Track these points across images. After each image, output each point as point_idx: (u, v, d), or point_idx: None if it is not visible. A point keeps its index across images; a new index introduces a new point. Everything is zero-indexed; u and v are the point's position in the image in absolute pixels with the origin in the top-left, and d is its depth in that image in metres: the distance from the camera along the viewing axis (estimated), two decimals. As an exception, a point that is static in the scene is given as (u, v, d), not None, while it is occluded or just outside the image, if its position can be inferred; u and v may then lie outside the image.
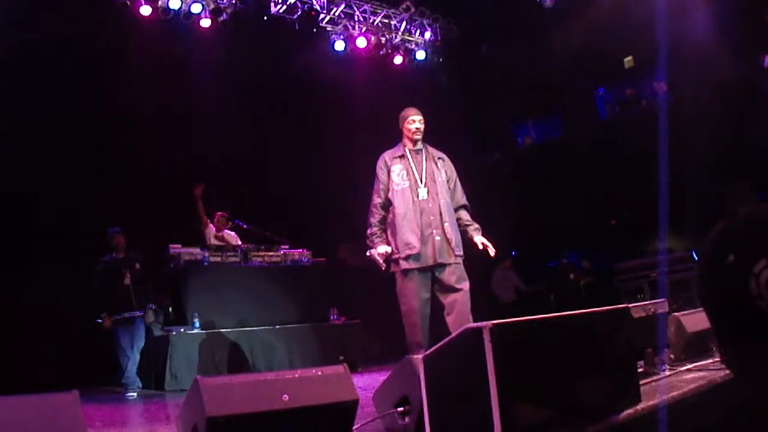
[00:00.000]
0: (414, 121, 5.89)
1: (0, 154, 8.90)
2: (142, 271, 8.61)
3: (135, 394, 8.05)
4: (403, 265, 5.61)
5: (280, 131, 12.01)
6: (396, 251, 5.67)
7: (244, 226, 10.04)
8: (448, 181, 5.91)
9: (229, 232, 10.16)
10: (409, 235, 5.60)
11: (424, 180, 5.75)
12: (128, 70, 10.32)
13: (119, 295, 8.36)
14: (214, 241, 9.90)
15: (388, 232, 5.79)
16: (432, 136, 6.16)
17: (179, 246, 9.24)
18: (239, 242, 9.99)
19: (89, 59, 10.00)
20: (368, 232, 5.83)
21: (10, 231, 9.08)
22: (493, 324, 2.60)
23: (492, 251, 5.81)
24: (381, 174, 5.84)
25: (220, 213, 10.16)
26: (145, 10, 10.44)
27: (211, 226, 10.04)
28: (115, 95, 10.18)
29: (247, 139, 11.49)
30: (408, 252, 5.58)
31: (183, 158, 10.67)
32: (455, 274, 5.61)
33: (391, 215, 5.77)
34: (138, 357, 8.43)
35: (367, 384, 5.98)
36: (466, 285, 5.62)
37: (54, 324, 9.11)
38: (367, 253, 5.80)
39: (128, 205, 9.99)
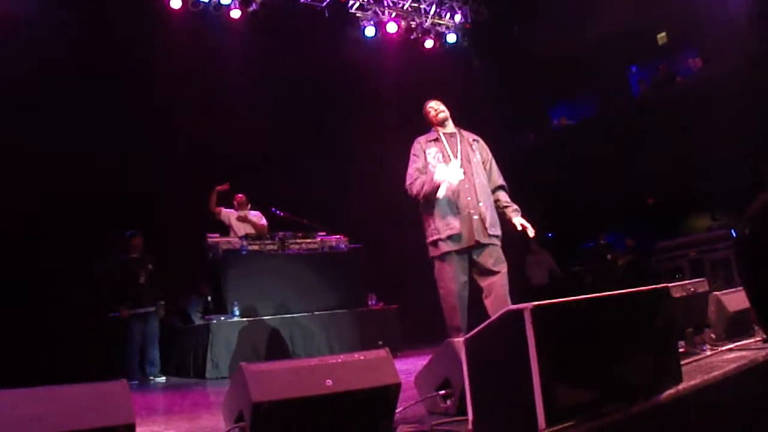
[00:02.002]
0: (433, 108, 5.98)
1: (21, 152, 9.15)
2: (154, 271, 9.12)
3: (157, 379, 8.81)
4: (443, 247, 5.59)
5: (313, 119, 12.09)
6: (435, 232, 5.65)
7: (280, 214, 10.11)
8: (483, 163, 5.90)
9: (251, 212, 10.25)
10: (449, 216, 5.60)
11: (459, 161, 5.75)
12: (159, 64, 10.44)
13: (134, 293, 8.94)
14: (236, 223, 10.01)
15: (424, 215, 5.77)
16: (465, 119, 6.18)
17: (217, 235, 9.39)
18: (264, 221, 10.12)
19: (119, 56, 10.12)
20: (408, 183, 5.78)
21: (47, 227, 9.32)
22: (535, 305, 2.60)
23: (531, 232, 5.79)
24: (417, 155, 5.84)
25: (240, 195, 10.21)
26: (175, 4, 10.58)
27: (227, 211, 10.13)
28: (147, 89, 10.31)
29: (280, 128, 11.55)
30: (449, 232, 5.57)
31: (216, 149, 10.80)
32: (492, 257, 5.60)
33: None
34: (155, 349, 9.02)
35: (407, 368, 6.00)
36: (503, 267, 5.62)
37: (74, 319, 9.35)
38: (421, 190, 5.69)
39: (164, 195, 10.16)
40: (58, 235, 9.33)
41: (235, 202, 10.18)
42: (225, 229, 9.98)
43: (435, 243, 5.67)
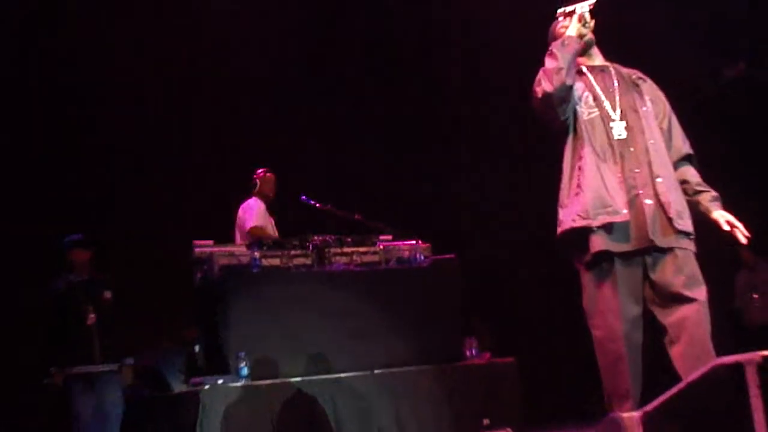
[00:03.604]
0: (565, 27, 5.89)
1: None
2: (112, 306, 9.03)
3: None
4: (595, 243, 5.35)
5: (368, 75, 12.55)
6: (581, 216, 5.42)
7: (317, 206, 10.21)
8: (657, 116, 5.83)
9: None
10: (611, 192, 5.38)
11: (619, 110, 5.70)
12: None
13: (77, 341, 8.82)
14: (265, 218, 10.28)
15: (570, 186, 5.63)
16: (627, 49, 6.15)
17: (211, 243, 9.41)
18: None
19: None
20: (534, 90, 5.68)
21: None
22: (764, 357, 2.59)
23: (743, 235, 5.69)
24: None
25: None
26: None
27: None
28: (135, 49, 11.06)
29: (328, 88, 11.97)
30: (606, 218, 5.33)
31: (206, 114, 11.16)
32: (683, 272, 5.39)
33: (574, 157, 5.68)
34: None
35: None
36: (702, 292, 5.40)
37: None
38: (551, 71, 5.62)
39: (122, 184, 10.41)
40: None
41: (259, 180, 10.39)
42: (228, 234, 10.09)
43: (580, 236, 5.45)
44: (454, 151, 11.70)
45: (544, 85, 5.53)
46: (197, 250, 9.31)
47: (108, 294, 8.95)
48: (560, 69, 5.49)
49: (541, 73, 5.61)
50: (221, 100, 11.77)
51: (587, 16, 5.77)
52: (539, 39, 6.06)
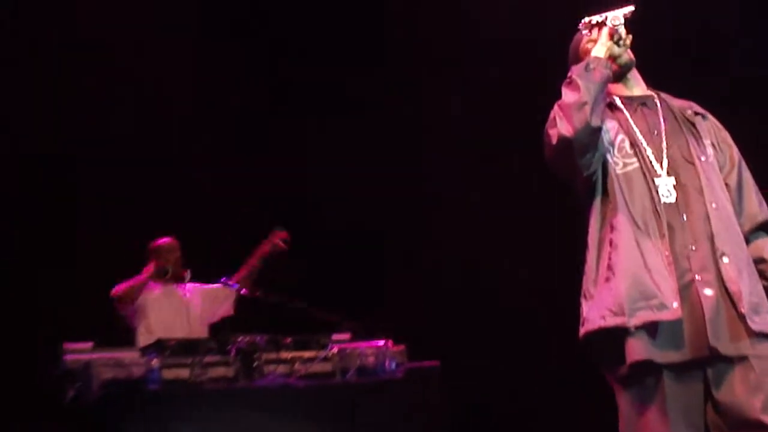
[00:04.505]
0: (593, 41, 5.85)
1: None
2: None
3: None
4: (635, 350, 5.26)
5: (319, 96, 13.08)
6: (613, 311, 5.35)
7: (243, 292, 10.14)
8: (722, 168, 5.78)
9: (191, 284, 10.74)
10: (656, 277, 5.30)
11: (666, 161, 5.65)
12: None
13: None
14: (154, 305, 10.39)
15: (598, 269, 5.55)
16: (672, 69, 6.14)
17: (90, 346, 9.28)
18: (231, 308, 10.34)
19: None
20: (546, 131, 5.66)
21: None
22: None
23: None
24: None
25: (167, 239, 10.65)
26: None
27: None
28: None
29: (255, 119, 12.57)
30: (648, 315, 5.23)
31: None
32: (761, 390, 5.32)
33: (603, 227, 5.60)
34: None
35: None
36: None
37: None
38: (567, 106, 5.53)
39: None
40: None
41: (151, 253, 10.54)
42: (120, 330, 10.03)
43: (613, 339, 5.38)
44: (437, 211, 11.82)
45: (560, 126, 5.46)
46: (69, 356, 9.15)
47: None
48: (583, 104, 5.41)
49: (556, 109, 5.56)
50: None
51: (622, 29, 5.69)
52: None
